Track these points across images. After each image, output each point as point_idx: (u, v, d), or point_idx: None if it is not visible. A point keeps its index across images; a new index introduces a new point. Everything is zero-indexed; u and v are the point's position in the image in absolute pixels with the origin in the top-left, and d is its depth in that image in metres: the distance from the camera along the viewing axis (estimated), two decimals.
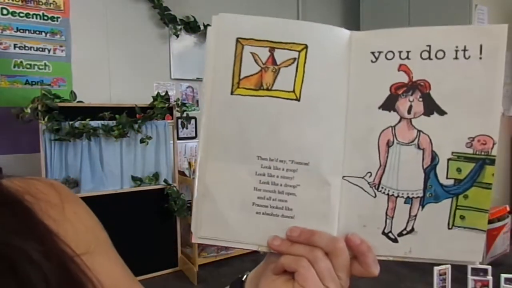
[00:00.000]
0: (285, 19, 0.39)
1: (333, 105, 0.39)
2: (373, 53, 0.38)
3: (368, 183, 0.39)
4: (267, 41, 0.39)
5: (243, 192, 0.39)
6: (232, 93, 0.39)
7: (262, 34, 0.39)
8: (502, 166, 3.31)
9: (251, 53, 0.39)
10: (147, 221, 2.70)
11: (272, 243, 0.39)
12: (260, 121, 0.39)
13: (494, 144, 0.37)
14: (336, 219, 0.39)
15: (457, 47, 0.37)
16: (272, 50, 0.39)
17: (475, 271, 1.98)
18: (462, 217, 0.38)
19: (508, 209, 2.89)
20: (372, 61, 0.38)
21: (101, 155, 2.55)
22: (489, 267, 1.98)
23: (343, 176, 0.39)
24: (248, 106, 0.39)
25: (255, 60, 0.39)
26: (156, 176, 2.74)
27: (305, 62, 0.39)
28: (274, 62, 0.39)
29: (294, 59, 0.39)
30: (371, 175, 0.38)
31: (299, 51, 0.39)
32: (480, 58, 0.37)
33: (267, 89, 0.39)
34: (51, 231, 0.30)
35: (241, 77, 0.39)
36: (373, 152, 0.38)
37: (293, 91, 0.39)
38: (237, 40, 0.39)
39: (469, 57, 0.37)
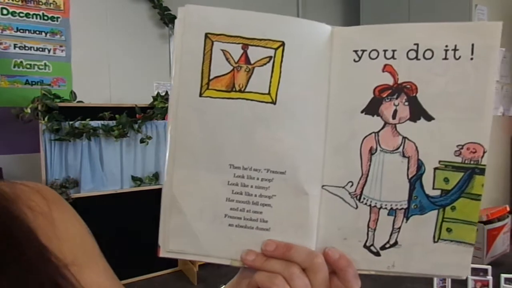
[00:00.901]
0: (260, 13, 0.35)
1: (312, 108, 0.35)
2: (356, 51, 0.35)
3: (349, 193, 0.36)
4: (239, 37, 0.35)
5: (214, 203, 0.36)
6: (201, 95, 0.36)
7: (234, 29, 0.35)
8: (502, 166, 3.30)
9: (222, 50, 0.35)
10: (147, 221, 2.69)
11: (246, 257, 0.36)
12: (232, 126, 0.35)
13: (484, 152, 0.34)
14: (315, 232, 0.36)
15: (447, 46, 0.34)
16: (245, 47, 0.35)
17: (475, 271, 1.98)
18: (449, 230, 0.35)
19: (508, 209, 2.88)
20: (355, 61, 0.35)
21: (101, 155, 2.54)
22: (489, 267, 1.98)
23: (323, 185, 0.36)
24: (219, 109, 0.35)
25: (227, 59, 0.35)
26: (156, 176, 2.74)
27: (281, 61, 0.35)
28: (247, 61, 0.35)
29: (270, 57, 0.35)
30: (352, 185, 0.36)
31: (275, 49, 0.35)
32: (471, 58, 0.34)
33: (240, 91, 0.35)
34: (39, 241, 0.29)
35: (211, 77, 0.35)
36: (354, 160, 0.36)
37: (269, 93, 0.35)
38: (206, 35, 0.35)
39: (459, 57, 0.34)
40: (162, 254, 0.38)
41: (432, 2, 3.17)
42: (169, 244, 0.37)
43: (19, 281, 0.25)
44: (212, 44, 0.35)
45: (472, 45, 0.34)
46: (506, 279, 1.92)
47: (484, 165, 0.35)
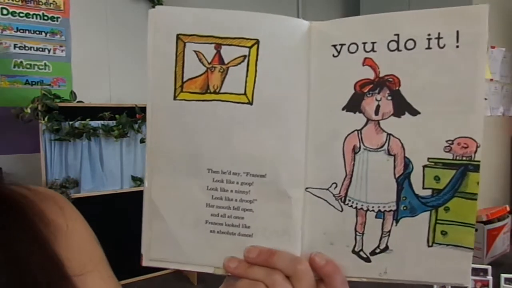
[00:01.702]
0: (231, 10, 0.34)
1: (291, 108, 0.34)
2: (334, 46, 0.33)
3: (334, 195, 0.34)
4: (212, 36, 0.34)
5: (194, 209, 0.35)
6: (175, 98, 0.34)
7: (206, 29, 0.34)
8: (502, 166, 3.30)
9: (195, 51, 0.34)
10: None
11: (228, 265, 0.34)
12: (209, 129, 0.34)
13: (477, 147, 0.32)
14: (300, 237, 0.34)
15: (429, 35, 0.32)
16: (218, 47, 0.34)
17: (475, 271, 1.98)
18: (443, 233, 0.33)
19: (508, 209, 2.88)
20: (333, 56, 0.33)
21: (101, 155, 2.55)
22: (489, 267, 1.97)
23: (306, 188, 0.34)
24: (194, 112, 0.34)
25: (200, 60, 0.34)
26: None
27: (256, 60, 0.34)
28: (221, 61, 0.34)
29: (244, 56, 0.34)
30: (336, 186, 0.34)
31: (250, 47, 0.34)
32: (457, 46, 0.31)
33: (215, 92, 0.34)
34: (48, 250, 0.29)
35: (185, 79, 0.34)
36: (337, 160, 0.34)
37: (245, 94, 0.34)
38: (178, 37, 0.34)
39: (444, 46, 0.31)
40: (145, 263, 0.37)
41: (432, 2, 3.17)
42: (151, 253, 0.37)
43: (26, 285, 0.25)
44: (184, 45, 0.34)
45: (457, 32, 0.31)
46: (506, 279, 1.91)
47: (478, 161, 0.32)
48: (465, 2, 2.93)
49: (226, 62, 0.34)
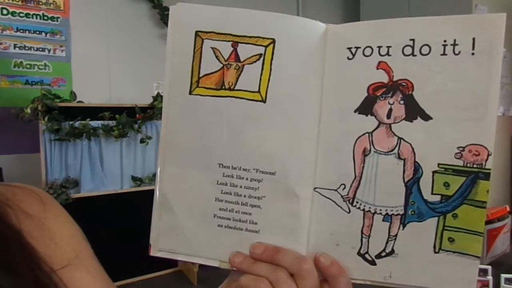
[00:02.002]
0: (250, 10, 0.34)
1: (303, 107, 0.34)
2: (349, 49, 0.34)
3: (342, 196, 0.34)
4: (229, 34, 0.34)
5: (203, 203, 0.36)
6: (190, 92, 0.35)
7: (224, 27, 0.34)
8: (502, 166, 3.30)
9: (212, 48, 0.35)
10: (147, 221, 2.69)
11: (233, 260, 0.35)
12: (222, 124, 0.35)
13: (488, 155, 0.32)
14: (306, 236, 0.34)
15: (445, 41, 0.32)
16: (235, 44, 0.34)
17: None
18: (451, 240, 0.33)
19: (508, 209, 2.88)
20: (348, 58, 0.34)
21: (101, 155, 2.54)
22: (489, 267, 1.97)
23: (315, 188, 0.34)
24: (208, 107, 0.35)
25: (216, 56, 0.35)
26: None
27: (272, 59, 0.34)
28: (237, 59, 0.35)
29: (260, 55, 0.34)
30: (344, 188, 0.34)
31: (266, 46, 0.34)
32: (473, 53, 0.31)
33: (230, 89, 0.35)
34: (27, 246, 0.28)
35: (201, 75, 0.35)
36: (347, 162, 0.34)
37: (258, 91, 0.34)
38: (196, 33, 0.35)
39: (459, 52, 0.31)
40: (153, 252, 0.37)
41: (432, 3, 3.18)
42: (159, 243, 0.37)
43: (3, 281, 0.25)
44: (202, 41, 0.35)
45: (473, 39, 0.31)
46: (506, 279, 1.91)
47: (489, 169, 0.32)
48: (466, 5, 2.93)
49: (242, 59, 0.35)
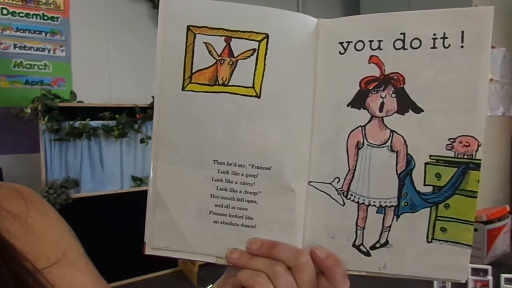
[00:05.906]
0: (243, 4, 0.34)
1: (297, 102, 0.34)
2: (341, 43, 0.34)
3: (336, 189, 0.35)
4: (222, 29, 0.34)
5: (198, 199, 0.36)
6: (183, 88, 0.35)
7: (217, 21, 0.34)
8: (502, 166, 3.30)
9: (205, 43, 0.34)
10: None
11: (230, 255, 0.35)
12: (216, 120, 0.35)
13: (479, 146, 0.32)
14: (302, 230, 0.35)
15: (435, 34, 0.32)
16: (228, 39, 0.34)
17: (475, 271, 1.98)
18: (443, 229, 0.33)
19: (508, 209, 2.88)
20: (340, 53, 0.34)
21: (101, 155, 2.54)
22: (489, 267, 1.97)
23: (309, 182, 0.35)
24: (202, 103, 0.35)
25: (209, 51, 0.34)
26: None
27: (265, 54, 0.34)
28: (230, 54, 0.34)
29: (254, 50, 0.34)
30: (339, 181, 0.34)
31: (259, 41, 0.34)
32: (462, 46, 0.32)
33: (223, 85, 0.34)
34: (3, 243, 0.28)
35: (194, 70, 0.35)
36: (341, 155, 0.34)
37: (253, 87, 0.34)
38: (188, 28, 0.34)
39: (449, 45, 0.32)
40: (148, 251, 0.37)
41: (432, 3, 3.18)
42: (154, 241, 0.37)
43: None
44: (195, 36, 0.34)
45: (462, 32, 0.32)
46: (506, 279, 1.91)
47: (479, 160, 0.32)
48: (466, 4, 2.92)
49: (235, 55, 0.34)
